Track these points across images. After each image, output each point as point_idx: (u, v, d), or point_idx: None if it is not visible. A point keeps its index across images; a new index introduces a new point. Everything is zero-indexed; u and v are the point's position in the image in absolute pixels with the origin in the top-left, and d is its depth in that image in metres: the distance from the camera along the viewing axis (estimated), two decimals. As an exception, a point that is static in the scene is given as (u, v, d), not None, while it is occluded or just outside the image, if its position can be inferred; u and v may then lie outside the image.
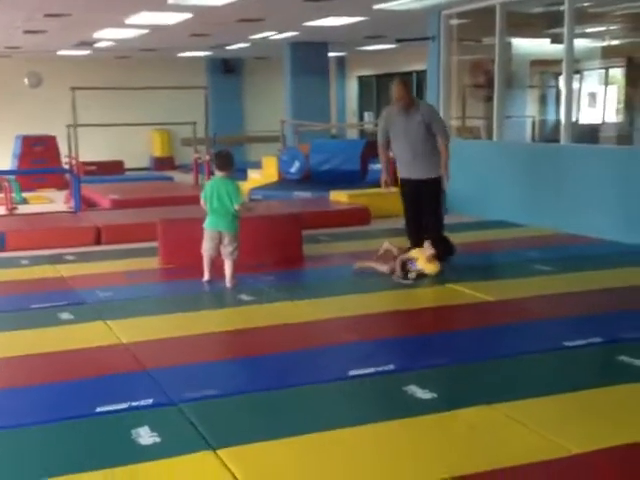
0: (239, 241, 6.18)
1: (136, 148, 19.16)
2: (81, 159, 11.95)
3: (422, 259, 6.34)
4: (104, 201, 11.12)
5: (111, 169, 17.13)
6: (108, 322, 5.14)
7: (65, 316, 5.32)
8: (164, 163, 19.30)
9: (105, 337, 4.84)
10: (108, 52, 16.45)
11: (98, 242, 8.44)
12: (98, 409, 3.59)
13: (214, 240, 6.18)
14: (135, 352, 4.49)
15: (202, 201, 6.24)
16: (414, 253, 6.47)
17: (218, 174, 6.23)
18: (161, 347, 4.66)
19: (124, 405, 3.63)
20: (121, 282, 6.48)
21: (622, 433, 3.27)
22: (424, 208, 7.01)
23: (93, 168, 15.75)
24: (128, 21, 11.19)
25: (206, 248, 6.24)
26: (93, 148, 16.70)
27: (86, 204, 10.83)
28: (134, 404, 3.64)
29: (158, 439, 3.25)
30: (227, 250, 6.16)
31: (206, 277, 6.30)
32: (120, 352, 4.55)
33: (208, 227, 6.21)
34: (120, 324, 5.10)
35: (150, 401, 3.68)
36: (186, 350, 4.60)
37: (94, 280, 6.51)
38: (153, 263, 7.13)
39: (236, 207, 6.06)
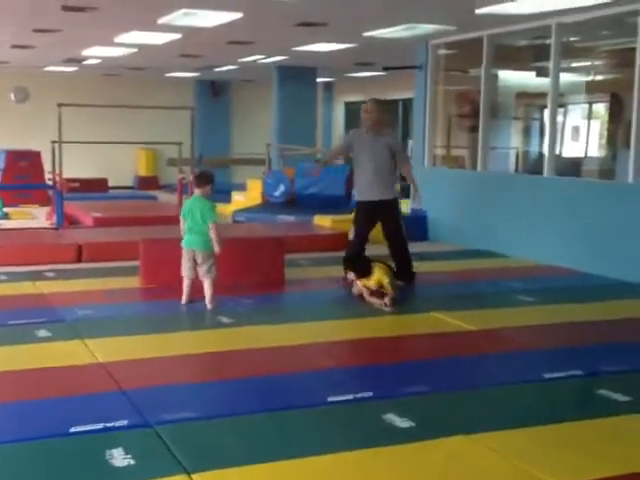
0: (214, 259, 6.12)
1: (121, 166, 19.11)
2: (65, 176, 11.88)
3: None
4: (86, 219, 11.05)
5: (95, 187, 17.04)
6: (86, 341, 5.09)
7: (42, 333, 5.26)
8: (148, 182, 19.24)
9: (82, 356, 4.79)
10: (96, 69, 16.46)
11: (79, 260, 8.38)
12: (72, 429, 3.53)
13: (190, 261, 6.17)
14: (112, 372, 4.44)
15: (181, 219, 6.26)
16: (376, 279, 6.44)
17: (196, 192, 6.26)
18: (138, 367, 4.61)
19: (99, 426, 3.57)
20: (100, 300, 6.42)
21: (601, 466, 3.26)
22: (390, 227, 7.27)
23: (76, 185, 15.67)
24: (117, 39, 11.19)
25: (184, 269, 6.22)
26: (77, 165, 16.62)
27: (68, 221, 10.76)
28: (109, 425, 3.59)
29: (132, 461, 3.20)
30: (202, 269, 6.13)
31: (183, 300, 6.25)
32: (96, 371, 4.49)
33: (184, 246, 6.21)
34: (98, 343, 5.05)
35: (125, 422, 3.64)
36: (163, 371, 4.55)
37: (73, 298, 6.46)
38: (134, 282, 7.08)
39: (210, 225, 6.03)
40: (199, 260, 6.13)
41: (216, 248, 6.05)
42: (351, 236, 7.11)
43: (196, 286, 6.22)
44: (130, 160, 19.38)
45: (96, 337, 5.18)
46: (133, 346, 5.08)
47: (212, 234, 6.04)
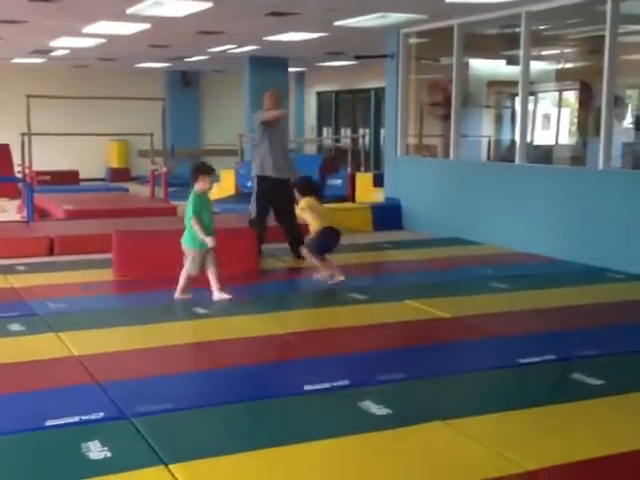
0: (194, 256, 6.02)
1: (92, 158, 18.93)
2: (35, 168, 11.76)
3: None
4: (58, 211, 10.94)
5: (66, 179, 16.85)
6: (60, 334, 5.05)
7: (15, 327, 5.21)
8: (120, 174, 19.08)
9: (56, 349, 4.75)
10: (65, 61, 16.26)
11: (51, 253, 8.30)
12: (48, 423, 3.50)
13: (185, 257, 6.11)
14: (87, 365, 4.41)
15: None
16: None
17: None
18: (114, 360, 4.59)
19: (74, 419, 3.55)
20: (74, 294, 6.37)
21: (576, 449, 3.30)
22: (288, 207, 7.64)
23: (47, 178, 15.50)
24: (85, 30, 11.07)
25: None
26: (48, 157, 16.45)
27: (39, 214, 10.64)
28: (85, 418, 3.57)
29: (109, 454, 3.18)
30: (185, 264, 6.09)
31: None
32: (72, 364, 4.46)
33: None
34: (72, 336, 5.01)
35: (101, 415, 3.62)
36: (139, 363, 4.54)
37: (46, 291, 6.40)
38: (107, 275, 7.03)
39: (192, 221, 5.95)
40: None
41: (207, 241, 5.94)
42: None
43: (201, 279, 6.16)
44: (101, 152, 19.21)
45: (70, 330, 5.14)
46: (108, 339, 5.05)
47: (195, 228, 5.95)
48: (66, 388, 4.07)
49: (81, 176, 17.81)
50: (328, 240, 6.85)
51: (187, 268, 6.08)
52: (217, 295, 6.04)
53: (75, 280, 6.89)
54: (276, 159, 7.75)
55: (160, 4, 8.79)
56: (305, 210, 6.82)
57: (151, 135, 13.93)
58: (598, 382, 4.17)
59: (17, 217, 11.13)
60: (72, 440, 3.32)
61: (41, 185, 13.52)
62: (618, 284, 6.98)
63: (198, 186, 6.04)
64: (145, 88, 18.11)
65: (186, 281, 6.11)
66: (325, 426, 3.57)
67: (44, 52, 14.52)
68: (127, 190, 15.45)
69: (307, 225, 7.02)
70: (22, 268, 7.42)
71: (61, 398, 3.89)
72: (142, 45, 13.13)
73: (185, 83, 19.66)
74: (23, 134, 11.27)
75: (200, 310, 5.78)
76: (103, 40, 12.32)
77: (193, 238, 6.02)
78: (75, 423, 3.52)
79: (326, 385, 4.08)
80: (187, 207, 6.01)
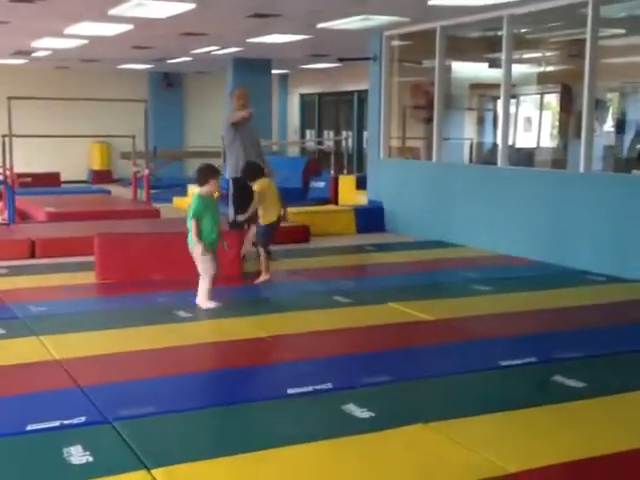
0: (204, 258, 5.87)
1: (74, 160, 18.83)
2: (16, 170, 11.68)
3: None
4: (39, 214, 10.87)
5: (47, 181, 16.75)
6: (41, 337, 5.02)
7: (-4, 331, 5.17)
8: (102, 176, 19.00)
9: (38, 353, 4.72)
10: (47, 62, 16.17)
11: (32, 256, 8.25)
12: (29, 427, 3.48)
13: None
14: (68, 368, 4.38)
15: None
16: None
17: (196, 190, 6.03)
18: (95, 364, 4.57)
19: (56, 423, 3.53)
20: (55, 297, 6.33)
21: (558, 451, 3.32)
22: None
23: (28, 180, 15.40)
24: (68, 31, 11.01)
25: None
26: (29, 159, 16.35)
27: (20, 217, 10.58)
28: (66, 422, 3.55)
29: (91, 458, 3.17)
30: (198, 268, 5.96)
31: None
32: (53, 368, 4.43)
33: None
34: (53, 340, 4.98)
35: (83, 419, 3.60)
36: (121, 367, 4.51)
37: (27, 294, 6.36)
38: (89, 278, 6.99)
39: (191, 223, 5.83)
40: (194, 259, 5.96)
41: (201, 247, 5.84)
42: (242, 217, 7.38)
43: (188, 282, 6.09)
44: (83, 154, 19.11)
45: (52, 334, 5.11)
46: (90, 342, 5.02)
47: (193, 231, 5.84)
48: (47, 392, 4.04)
49: (63, 178, 17.71)
50: (273, 233, 7.02)
51: (203, 270, 5.92)
52: (198, 299, 5.97)
53: (57, 283, 6.85)
54: (248, 159, 7.78)
55: (143, 5, 8.76)
56: (259, 194, 6.88)
57: (133, 137, 13.88)
58: (579, 384, 4.20)
59: (-2, 219, 11.05)
60: (54, 445, 3.30)
61: (22, 187, 13.44)
62: (599, 286, 7.03)
63: (206, 189, 5.92)
64: (128, 89, 18.04)
65: (209, 285, 5.94)
66: (308, 429, 3.57)
67: (26, 53, 14.42)
68: (109, 192, 15.38)
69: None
70: (3, 271, 7.37)
71: (42, 402, 3.87)
72: (125, 46, 13.08)
73: (168, 84, 19.60)
74: (4, 136, 11.19)
75: (183, 313, 5.76)
76: (85, 41, 12.27)
77: (192, 239, 5.90)
78: (56, 427, 3.50)
79: (309, 388, 4.08)
80: (189, 208, 5.88)
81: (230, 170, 7.95)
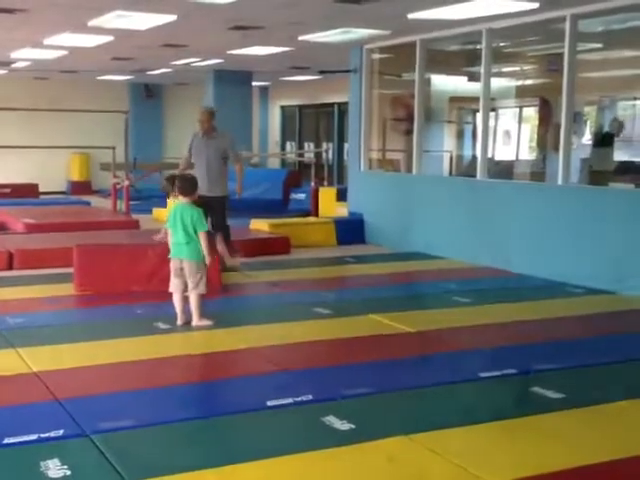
0: (203, 272, 5.76)
1: (52, 171, 18.69)
2: (-6, 181, 11.60)
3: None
4: (17, 225, 10.79)
5: (26, 192, 16.64)
6: (19, 350, 4.97)
7: (-27, 343, 5.12)
8: (82, 187, 18.87)
9: (15, 365, 4.67)
10: (26, 72, 16.08)
11: (10, 267, 8.17)
12: (6, 440, 3.45)
13: (178, 274, 5.74)
14: (46, 381, 4.34)
15: (164, 229, 5.83)
16: None
17: (182, 200, 5.77)
18: (74, 376, 4.53)
19: (33, 436, 3.49)
20: (34, 309, 6.28)
21: (538, 462, 3.33)
22: (215, 219, 7.79)
23: (6, 191, 15.29)
24: (47, 42, 10.97)
25: (172, 285, 5.77)
26: (7, 170, 16.25)
27: (-2, 227, 10.50)
28: (44, 435, 3.51)
29: (68, 472, 3.14)
30: (190, 282, 5.71)
31: (179, 321, 5.77)
32: (30, 381, 4.39)
33: (171, 255, 5.78)
34: (31, 352, 4.94)
35: (61, 432, 3.56)
36: (100, 380, 4.48)
37: (5, 306, 6.30)
38: (68, 289, 6.94)
39: (200, 234, 5.66)
40: (187, 272, 5.70)
41: (207, 258, 5.72)
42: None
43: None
44: (62, 165, 18.99)
45: (30, 346, 5.06)
46: (68, 355, 4.98)
47: (203, 244, 5.67)
48: (25, 405, 4.00)
49: (41, 189, 17.60)
50: None
51: (197, 287, 5.72)
52: (197, 322, 5.79)
53: (35, 295, 6.80)
54: (201, 179, 7.58)
55: (123, 17, 8.74)
56: None
57: (113, 148, 13.84)
58: (558, 395, 4.22)
59: (-25, 230, 10.95)
60: (31, 458, 3.27)
61: (0, 198, 13.33)
62: (577, 298, 7.08)
63: (192, 198, 5.82)
64: (108, 100, 17.97)
65: (201, 302, 5.78)
66: (288, 442, 3.56)
67: (5, 64, 14.34)
68: (89, 203, 15.30)
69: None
70: (-20, 283, 7.30)
71: (20, 415, 3.83)
72: (105, 57, 13.04)
73: (148, 96, 19.56)
74: (-18, 146, 11.11)
75: (162, 325, 5.73)
76: (65, 52, 12.22)
77: (197, 250, 5.71)
78: (34, 441, 3.46)
79: (289, 400, 4.07)
80: (193, 220, 5.65)
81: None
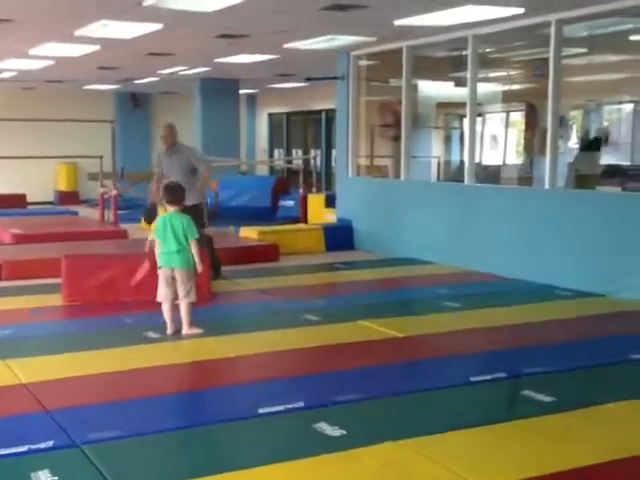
0: (194, 280, 5.77)
1: (39, 181, 18.63)
2: (-19, 192, 11.53)
3: None
4: (5, 235, 10.74)
5: (13, 202, 16.56)
6: (7, 361, 4.94)
7: (-39, 355, 5.09)
8: (69, 197, 18.83)
9: (4, 377, 4.65)
10: (12, 83, 16.03)
11: (-2, 278, 8.13)
12: (-5, 452, 3.43)
13: (169, 283, 5.69)
14: (35, 392, 4.32)
15: (151, 238, 5.75)
16: None
17: (170, 209, 5.77)
18: (63, 387, 4.51)
19: (23, 448, 3.47)
20: (22, 319, 6.25)
21: (530, 466, 3.34)
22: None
23: (-7, 201, 15.22)
24: (33, 52, 10.95)
25: (162, 294, 5.74)
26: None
27: (-15, 238, 10.44)
28: (34, 447, 3.49)
29: (59, 483, 3.12)
30: (181, 290, 5.70)
31: (169, 330, 5.72)
32: (19, 392, 4.37)
33: (162, 264, 5.72)
34: (20, 363, 4.91)
35: (51, 443, 3.54)
36: (89, 390, 4.46)
37: (-7, 317, 6.26)
38: (56, 300, 6.91)
39: (192, 242, 5.66)
40: (179, 280, 5.67)
41: (199, 266, 5.70)
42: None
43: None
44: (49, 175, 18.94)
45: (18, 357, 5.03)
46: (57, 365, 4.96)
47: (194, 251, 5.67)
48: (14, 417, 3.98)
49: (28, 199, 17.54)
50: None
51: (188, 296, 5.71)
52: (187, 330, 5.77)
53: (23, 305, 6.76)
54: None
55: (109, 26, 8.73)
56: None
57: (101, 157, 13.80)
58: (548, 399, 4.23)
59: (-37, 242, 10.89)
60: (21, 470, 3.25)
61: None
62: (566, 301, 7.11)
63: (180, 207, 5.83)
64: (94, 110, 17.94)
65: (191, 310, 5.77)
66: (280, 449, 3.55)
67: (-10, 74, 14.31)
68: (76, 213, 15.25)
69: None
70: (-32, 294, 7.26)
71: (9, 427, 3.81)
72: (91, 67, 13.03)
73: (135, 105, 19.54)
74: (-32, 157, 11.06)
75: (152, 334, 5.72)
76: (51, 62, 12.20)
77: (188, 258, 5.70)
78: (24, 452, 3.44)
79: (280, 407, 4.06)
80: (184, 229, 5.66)
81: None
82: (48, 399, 4.19)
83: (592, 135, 11.46)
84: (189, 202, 7.92)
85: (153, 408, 4.18)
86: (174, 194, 5.83)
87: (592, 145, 10.75)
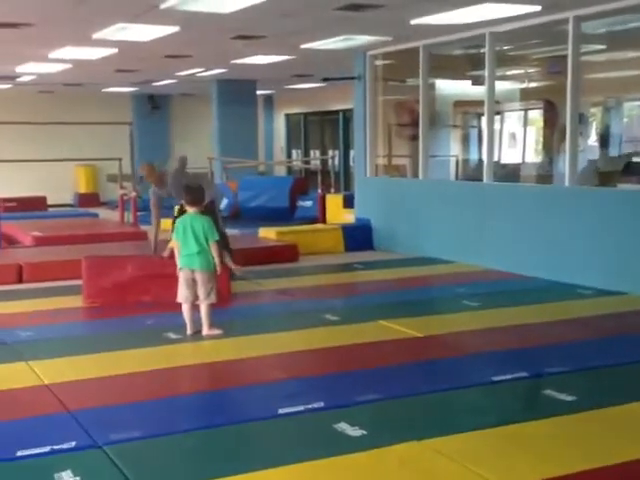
0: (215, 282, 5.79)
1: (60, 184, 18.77)
2: (1, 195, 11.64)
3: None
4: (26, 238, 10.82)
5: (33, 205, 16.67)
6: (30, 363, 4.98)
7: (-16, 357, 5.14)
8: (89, 199, 18.95)
9: (26, 378, 4.68)
10: (31, 86, 16.16)
11: (20, 280, 8.19)
12: (19, 453, 3.45)
13: (189, 284, 5.71)
14: (58, 393, 4.35)
15: (174, 241, 5.80)
16: None
17: (190, 210, 5.78)
18: (85, 388, 4.54)
19: (46, 449, 3.50)
20: (43, 321, 6.29)
21: (550, 466, 3.32)
22: None
23: (13, 204, 15.34)
24: (52, 55, 11.03)
25: (183, 296, 5.75)
26: (14, 184, 16.30)
27: (7, 241, 10.53)
28: (56, 447, 3.51)
29: (82, 484, 3.14)
30: (201, 292, 5.72)
31: (189, 331, 5.76)
32: (42, 393, 4.40)
33: (183, 266, 5.72)
34: (42, 365, 4.95)
35: (73, 444, 3.57)
36: (111, 391, 4.49)
37: (15, 319, 6.32)
38: (77, 302, 6.96)
39: (212, 244, 5.67)
40: (199, 281, 5.69)
41: (218, 267, 5.74)
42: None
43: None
44: (69, 177, 19.07)
45: (40, 359, 5.07)
46: (79, 366, 4.99)
47: (214, 253, 5.68)
48: (37, 417, 4.01)
49: (49, 202, 17.67)
50: None
51: (208, 297, 5.74)
52: (207, 331, 5.79)
53: (45, 307, 6.81)
54: None
55: (126, 29, 8.78)
56: None
57: (119, 160, 13.88)
58: (569, 398, 4.20)
59: (-16, 245, 10.99)
60: (44, 471, 3.27)
61: (8, 212, 13.38)
62: (587, 300, 7.06)
63: (200, 208, 5.85)
64: (113, 112, 18.05)
65: (211, 311, 5.80)
66: (300, 449, 3.55)
67: (10, 78, 14.42)
68: (96, 215, 15.34)
69: None
70: (-10, 296, 7.32)
71: (32, 428, 3.83)
72: (109, 69, 13.10)
73: (153, 107, 19.63)
74: (-11, 161, 11.17)
75: (172, 335, 5.74)
76: (69, 65, 12.28)
77: (209, 260, 5.72)
78: (47, 453, 3.47)
79: (300, 407, 4.06)
80: (205, 230, 5.66)
81: None
82: (70, 400, 4.22)
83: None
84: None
85: (174, 409, 4.20)
86: (194, 195, 5.85)
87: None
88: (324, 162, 17.05)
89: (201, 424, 3.90)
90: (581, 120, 8.69)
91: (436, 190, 10.01)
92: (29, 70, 13.12)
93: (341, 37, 9.61)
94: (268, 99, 21.07)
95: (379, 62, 11.07)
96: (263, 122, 20.53)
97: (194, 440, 3.68)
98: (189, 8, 7.57)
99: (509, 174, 11.26)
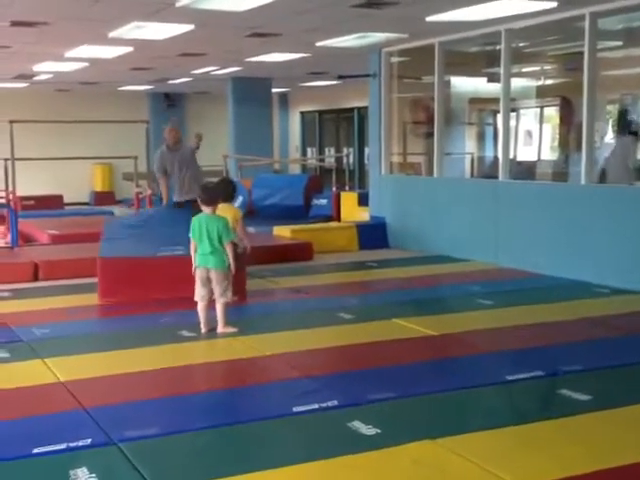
0: (230, 280, 5.82)
1: (76, 182, 18.88)
2: (19, 193, 11.68)
3: None
4: (43, 236, 10.89)
5: (50, 204, 16.78)
6: (45, 360, 5.01)
7: (0, 354, 5.17)
8: (105, 198, 19.04)
9: (42, 375, 4.71)
10: (48, 85, 16.25)
11: (36, 278, 8.25)
12: (35, 450, 3.47)
13: (205, 283, 5.76)
14: (73, 391, 4.37)
15: (191, 240, 5.80)
16: None
17: (206, 210, 5.79)
18: (100, 385, 4.56)
19: (62, 446, 3.52)
20: (59, 319, 6.33)
21: (565, 466, 3.30)
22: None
23: (30, 203, 15.42)
24: (68, 54, 11.08)
25: (199, 294, 5.80)
26: (31, 182, 16.34)
27: (24, 239, 10.59)
28: (72, 444, 3.54)
29: (97, 481, 3.16)
30: (217, 290, 5.74)
31: (204, 328, 5.80)
32: (58, 391, 4.43)
33: (198, 264, 5.76)
34: (58, 362, 4.97)
35: (89, 441, 3.58)
36: (126, 388, 4.51)
37: (31, 317, 6.35)
38: (92, 299, 6.99)
39: (226, 244, 5.71)
40: (214, 280, 5.74)
41: (232, 266, 5.76)
42: None
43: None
44: (85, 176, 19.17)
45: (56, 356, 5.10)
46: (94, 364, 5.02)
47: (229, 253, 5.71)
48: (53, 415, 4.03)
49: (65, 200, 17.77)
50: None
51: (224, 295, 5.77)
52: (222, 329, 5.83)
53: (60, 305, 6.85)
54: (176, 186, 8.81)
55: (142, 27, 8.81)
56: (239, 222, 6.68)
57: (135, 158, 13.91)
58: (585, 397, 4.18)
59: (1, 243, 11.06)
60: (60, 467, 3.29)
61: (25, 210, 13.45)
62: (603, 298, 7.02)
63: (215, 209, 5.88)
64: (128, 111, 18.10)
65: (226, 309, 5.84)
66: (315, 447, 3.55)
67: (27, 77, 14.50)
68: (112, 213, 15.40)
69: None
70: (6, 294, 7.37)
71: (48, 425, 3.86)
72: (125, 68, 13.15)
73: (169, 105, 19.68)
74: (6, 159, 11.22)
75: (186, 333, 5.76)
76: (86, 64, 12.34)
77: (223, 259, 5.75)
78: (62, 450, 3.49)
79: (315, 406, 4.06)
80: (219, 231, 5.69)
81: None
82: (86, 397, 4.24)
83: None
84: (192, 196, 7.76)
85: (189, 406, 4.22)
86: (210, 194, 5.86)
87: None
88: (339, 160, 17.02)
89: (215, 422, 3.91)
90: (598, 117, 8.62)
91: (451, 188, 9.98)
92: (46, 69, 13.19)
93: (357, 34, 9.59)
94: (283, 97, 21.07)
95: (394, 59, 11.05)
96: (278, 120, 20.53)
97: (208, 438, 3.69)
98: (204, 6, 7.58)
99: (525, 172, 11.20)
